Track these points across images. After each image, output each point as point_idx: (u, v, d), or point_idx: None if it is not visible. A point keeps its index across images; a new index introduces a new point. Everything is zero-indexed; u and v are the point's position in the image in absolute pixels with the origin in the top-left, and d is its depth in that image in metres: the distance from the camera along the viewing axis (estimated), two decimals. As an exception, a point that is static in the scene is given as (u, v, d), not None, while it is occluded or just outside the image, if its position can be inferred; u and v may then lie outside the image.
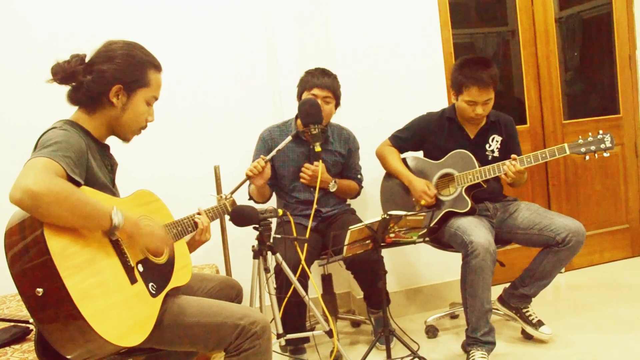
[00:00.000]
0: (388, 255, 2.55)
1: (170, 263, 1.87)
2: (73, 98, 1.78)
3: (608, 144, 2.57)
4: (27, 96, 3.04)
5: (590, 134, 2.62)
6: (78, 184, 1.57)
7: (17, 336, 2.11)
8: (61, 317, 1.39)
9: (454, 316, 3.31)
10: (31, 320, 2.11)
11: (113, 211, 1.56)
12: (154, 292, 1.70)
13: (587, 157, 2.61)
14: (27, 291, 1.39)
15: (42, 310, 1.40)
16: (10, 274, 1.42)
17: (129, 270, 1.63)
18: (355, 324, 3.37)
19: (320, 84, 2.84)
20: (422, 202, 2.84)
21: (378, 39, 3.38)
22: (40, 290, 1.38)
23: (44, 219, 1.42)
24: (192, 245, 2.08)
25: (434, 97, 3.40)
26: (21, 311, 2.49)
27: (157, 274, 1.76)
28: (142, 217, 1.79)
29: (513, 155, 2.69)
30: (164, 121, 2.99)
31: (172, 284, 1.81)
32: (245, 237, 3.00)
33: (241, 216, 2.20)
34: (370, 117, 3.33)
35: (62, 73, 1.72)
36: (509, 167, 2.66)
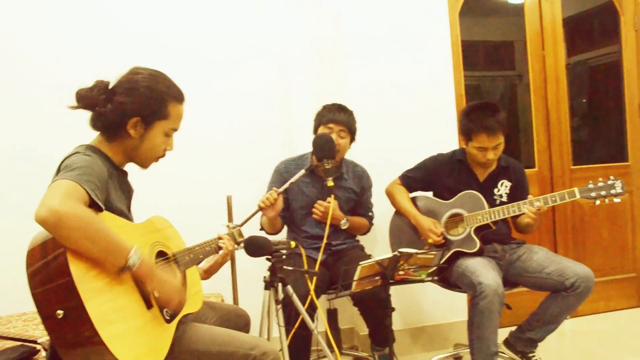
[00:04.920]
0: (393, 292, 2.56)
1: (183, 289, 1.88)
2: (94, 124, 1.80)
3: (619, 190, 2.59)
4: (37, 123, 3.11)
5: (600, 179, 2.64)
6: (100, 209, 1.59)
7: (24, 356, 2.11)
8: (80, 339, 1.40)
9: (457, 357, 3.28)
10: (39, 341, 2.10)
11: (132, 250, 1.54)
12: (168, 318, 1.71)
13: (598, 202, 2.63)
14: (47, 312, 1.40)
15: (60, 331, 1.41)
16: (30, 294, 1.43)
17: (145, 295, 1.64)
18: (358, 360, 3.35)
19: (335, 119, 2.89)
20: (430, 241, 2.85)
21: (391, 79, 3.43)
22: (60, 312, 1.39)
23: (63, 242, 1.43)
24: (214, 269, 2.14)
25: (445, 138, 3.44)
26: (27, 331, 2.49)
27: (171, 300, 1.77)
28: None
29: (530, 196, 2.71)
30: (178, 151, 3.02)
31: (185, 311, 1.82)
32: (252, 268, 3.01)
33: (255, 246, 2.21)
34: (380, 156, 3.36)
35: (84, 100, 1.74)
36: (533, 208, 2.66)
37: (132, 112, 1.75)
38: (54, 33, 3.19)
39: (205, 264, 2.17)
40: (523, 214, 2.71)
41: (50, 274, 1.42)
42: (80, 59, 3.15)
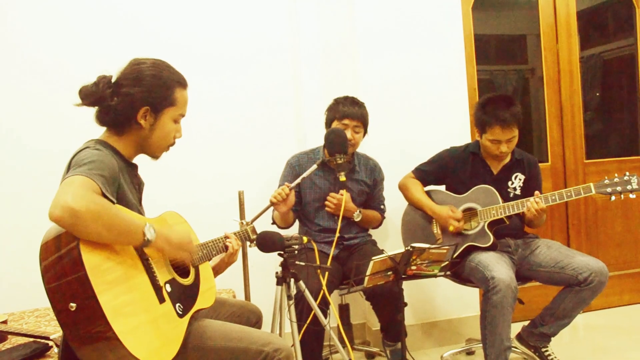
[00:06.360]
0: (405, 287, 2.56)
1: (196, 285, 1.89)
2: (101, 119, 1.80)
3: (635, 186, 2.56)
4: (45, 119, 3.11)
5: (616, 174, 2.62)
6: (111, 203, 1.59)
7: (37, 352, 2.11)
8: (93, 333, 1.39)
9: (470, 352, 3.27)
10: (51, 337, 2.11)
11: (146, 227, 1.58)
12: (180, 312, 1.70)
13: (613, 198, 2.60)
14: (60, 305, 1.40)
15: (73, 324, 1.40)
16: (44, 289, 1.43)
17: (157, 290, 1.64)
18: (370, 355, 3.33)
19: (351, 114, 2.88)
20: (451, 228, 2.82)
21: (403, 73, 3.41)
22: (73, 305, 1.38)
23: (81, 236, 1.43)
24: (220, 268, 2.11)
25: (457, 132, 3.42)
26: (39, 327, 2.50)
27: (183, 295, 1.78)
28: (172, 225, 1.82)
29: (537, 192, 2.69)
30: (190, 147, 3.01)
31: (197, 306, 1.82)
32: (264, 263, 3.01)
33: (267, 242, 2.20)
34: (393, 150, 3.35)
35: (91, 97, 1.74)
36: (532, 204, 2.65)
37: (141, 101, 1.76)
38: (72, 36, 3.17)
39: (212, 262, 2.16)
40: None
41: (64, 268, 1.42)
42: (95, 60, 3.11)
